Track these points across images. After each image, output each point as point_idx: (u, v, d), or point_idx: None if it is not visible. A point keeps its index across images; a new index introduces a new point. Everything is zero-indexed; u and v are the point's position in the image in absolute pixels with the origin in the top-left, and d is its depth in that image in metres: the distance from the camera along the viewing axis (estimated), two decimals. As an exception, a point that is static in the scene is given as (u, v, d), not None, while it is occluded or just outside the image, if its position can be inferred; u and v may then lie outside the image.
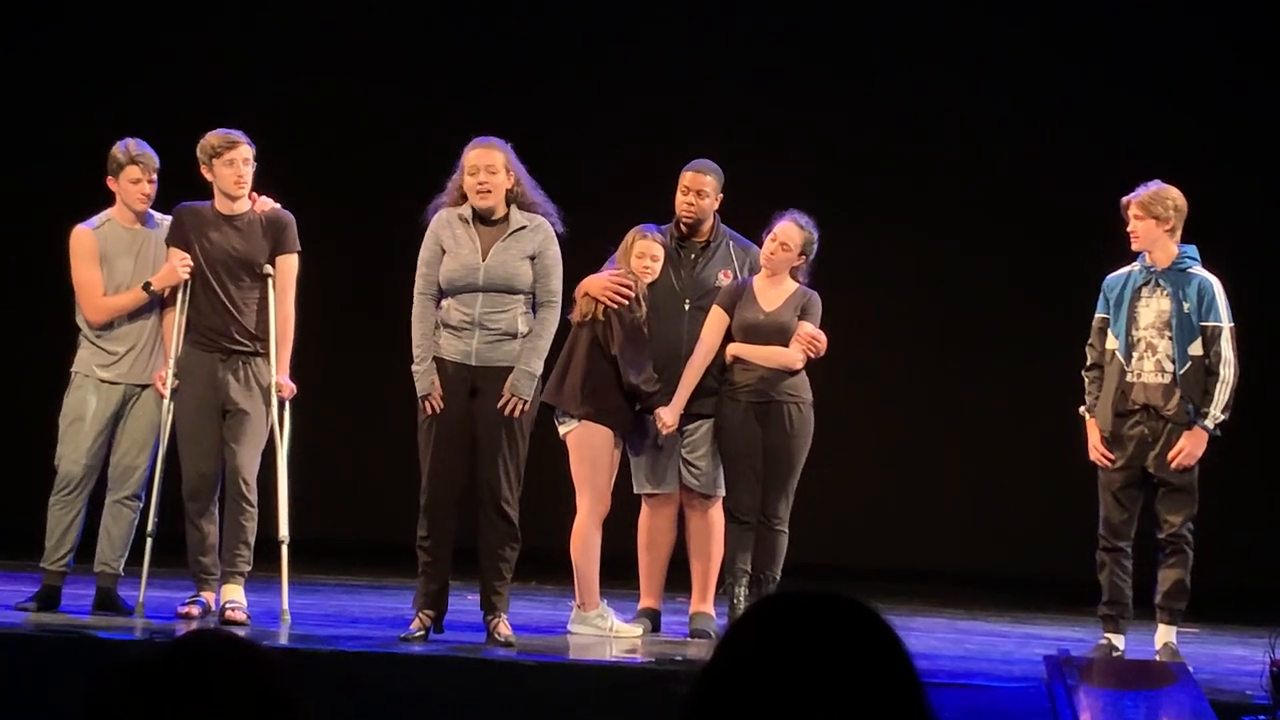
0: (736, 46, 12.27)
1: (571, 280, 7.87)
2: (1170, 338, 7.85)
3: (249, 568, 7.87)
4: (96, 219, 8.07)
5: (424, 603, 7.54)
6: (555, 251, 7.63)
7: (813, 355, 8.24)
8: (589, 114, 12.01)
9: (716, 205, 8.45)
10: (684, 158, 8.54)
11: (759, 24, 12.30)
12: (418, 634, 7.46)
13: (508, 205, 7.61)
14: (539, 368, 7.62)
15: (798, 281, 8.33)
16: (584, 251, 8.13)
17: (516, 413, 7.52)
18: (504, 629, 7.50)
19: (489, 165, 7.58)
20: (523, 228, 7.58)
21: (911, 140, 12.12)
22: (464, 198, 7.65)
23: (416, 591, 7.60)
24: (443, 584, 7.57)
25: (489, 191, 7.57)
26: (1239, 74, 11.96)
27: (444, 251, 7.58)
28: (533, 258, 7.57)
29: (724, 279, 8.40)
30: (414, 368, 7.58)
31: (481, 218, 7.60)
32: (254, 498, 7.85)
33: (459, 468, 7.54)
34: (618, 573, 8.50)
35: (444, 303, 7.60)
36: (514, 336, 7.55)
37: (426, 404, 7.54)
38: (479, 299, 7.53)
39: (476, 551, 7.59)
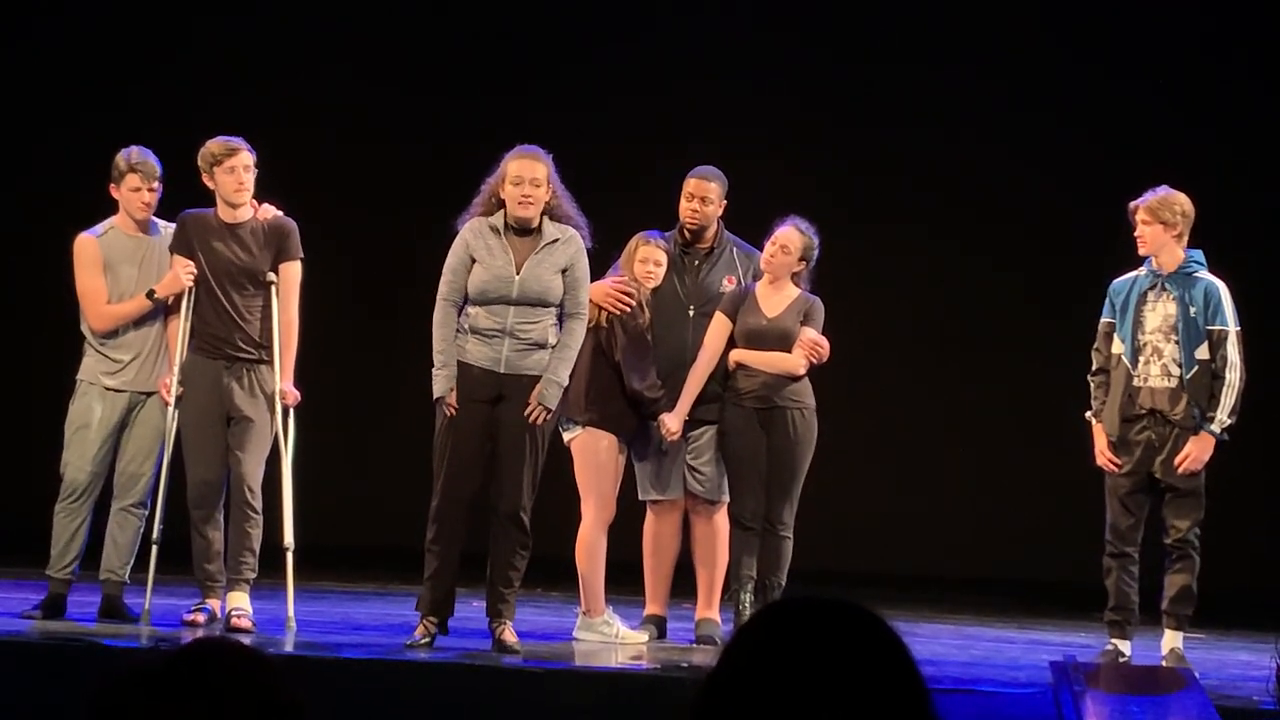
0: (737, 47, 12.25)
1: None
2: (1176, 342, 7.84)
3: (254, 575, 7.87)
4: (100, 226, 8.07)
5: (428, 608, 7.51)
6: (585, 265, 7.61)
7: (815, 361, 8.23)
8: (589, 115, 11.99)
9: (720, 212, 8.44)
10: (684, 158, 8.53)
11: (759, 25, 12.29)
12: (423, 640, 7.44)
13: (541, 216, 7.59)
14: (566, 379, 7.59)
15: (800, 287, 8.33)
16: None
17: (540, 421, 7.51)
18: (510, 635, 7.49)
19: (534, 178, 7.54)
20: (555, 240, 7.55)
21: (913, 141, 12.10)
22: (498, 204, 7.61)
23: (421, 596, 7.57)
24: (448, 589, 7.54)
25: (531, 204, 7.54)
26: (1249, 80, 11.94)
27: (473, 261, 7.54)
28: (564, 271, 7.57)
29: (728, 285, 8.39)
30: (434, 371, 7.55)
31: (514, 228, 7.57)
32: (259, 505, 7.85)
33: (474, 473, 7.52)
34: (623, 579, 8.50)
35: (470, 309, 7.56)
36: (543, 346, 7.54)
37: (447, 408, 7.51)
38: (510, 310, 7.50)
39: (486, 557, 7.58)
